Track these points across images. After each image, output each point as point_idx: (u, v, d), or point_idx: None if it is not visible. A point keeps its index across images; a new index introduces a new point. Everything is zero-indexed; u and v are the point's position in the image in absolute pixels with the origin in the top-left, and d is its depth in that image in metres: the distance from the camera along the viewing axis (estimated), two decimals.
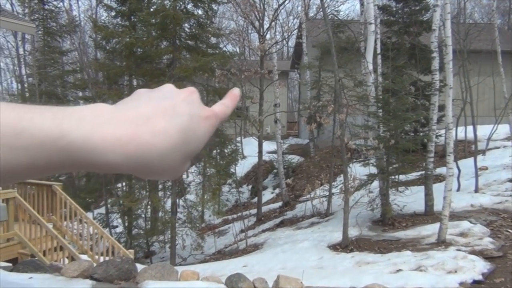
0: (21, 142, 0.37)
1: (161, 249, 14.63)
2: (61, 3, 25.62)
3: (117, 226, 15.32)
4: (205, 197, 14.19)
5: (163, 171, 0.43)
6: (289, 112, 33.03)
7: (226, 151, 15.65)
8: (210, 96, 13.52)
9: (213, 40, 15.12)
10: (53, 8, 24.29)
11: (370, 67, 10.20)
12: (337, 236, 9.30)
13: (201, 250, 13.16)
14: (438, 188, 10.03)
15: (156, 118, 0.42)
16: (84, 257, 7.73)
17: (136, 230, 14.50)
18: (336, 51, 10.60)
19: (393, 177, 10.52)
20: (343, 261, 7.88)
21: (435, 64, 9.86)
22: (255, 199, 16.74)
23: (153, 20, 13.14)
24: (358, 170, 10.94)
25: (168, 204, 13.51)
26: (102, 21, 18.47)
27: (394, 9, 14.80)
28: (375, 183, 10.64)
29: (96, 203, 18.42)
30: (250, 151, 20.11)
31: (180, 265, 11.48)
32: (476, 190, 10.86)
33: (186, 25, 13.80)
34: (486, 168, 12.71)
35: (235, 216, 16.25)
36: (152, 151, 0.41)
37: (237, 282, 5.56)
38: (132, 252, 8.30)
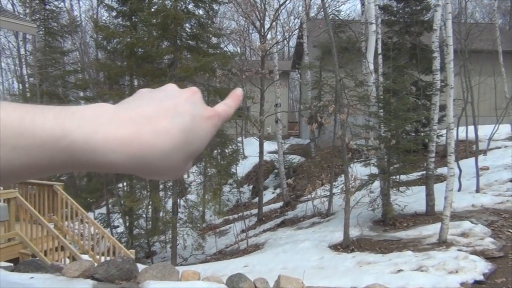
0: (23, 142, 0.37)
1: (162, 249, 14.64)
2: (62, 3, 25.65)
3: (118, 226, 15.34)
4: (206, 197, 14.19)
5: (165, 171, 0.43)
6: (290, 112, 33.03)
7: (227, 151, 15.66)
8: (211, 96, 13.52)
9: (214, 40, 15.13)
10: (54, 8, 24.32)
11: (371, 67, 10.19)
12: (338, 236, 9.30)
13: (202, 250, 13.16)
14: (439, 188, 10.03)
15: (158, 118, 0.42)
16: (85, 257, 7.74)
17: (137, 230, 14.51)
18: (337, 51, 10.60)
19: (394, 177, 10.51)
20: (344, 261, 7.88)
21: (436, 64, 9.85)
22: (256, 199, 16.74)
23: (154, 20, 13.15)
24: (359, 170, 10.94)
25: (169, 204, 13.51)
26: (103, 21, 18.50)
27: (395, 9, 14.79)
28: (376, 183, 10.64)
29: (97, 203, 18.44)
30: (251, 151, 20.11)
31: (181, 265, 11.49)
32: (477, 190, 10.85)
33: (187, 25, 13.82)
34: (487, 168, 12.69)
35: (236, 216, 16.25)
36: (154, 151, 0.40)
37: (238, 282, 5.56)
38: (133, 252, 8.31)
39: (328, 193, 12.67)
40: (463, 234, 8.26)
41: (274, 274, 6.23)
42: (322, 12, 13.39)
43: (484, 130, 14.61)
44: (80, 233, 8.70)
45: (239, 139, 21.48)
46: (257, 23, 15.42)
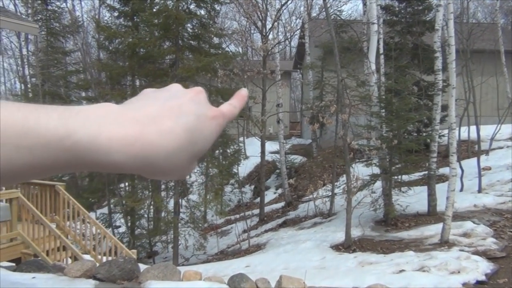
0: (27, 141, 0.37)
1: (164, 249, 14.65)
2: (64, 4, 25.69)
3: (120, 226, 15.35)
4: (208, 197, 14.20)
5: (170, 171, 0.43)
6: (292, 112, 33.02)
7: (228, 151, 15.67)
8: (213, 96, 13.53)
9: (215, 40, 15.14)
10: (56, 9, 24.36)
11: (373, 67, 10.18)
12: (340, 236, 9.29)
13: (203, 250, 13.17)
14: (441, 188, 10.01)
15: (163, 117, 0.42)
16: (87, 257, 7.75)
17: (139, 230, 14.53)
18: (339, 51, 10.59)
19: (396, 177, 10.50)
20: (345, 261, 7.87)
21: (438, 64, 9.83)
22: (258, 199, 16.74)
23: (156, 21, 13.16)
24: (360, 170, 10.94)
25: (171, 204, 13.52)
26: (105, 21, 18.50)
27: (397, 9, 14.78)
28: (378, 183, 10.63)
29: (99, 203, 18.47)
30: (253, 151, 20.10)
31: (183, 265, 11.50)
32: (479, 190, 10.82)
33: (189, 25, 13.83)
34: (490, 168, 12.67)
35: (237, 216, 16.25)
36: (158, 151, 0.40)
37: (240, 282, 5.56)
38: (134, 252, 8.32)
39: (330, 193, 12.66)
40: (465, 234, 8.24)
41: (276, 274, 6.23)
42: (324, 12, 13.39)
43: (486, 130, 14.58)
44: (82, 233, 8.71)
45: (241, 139, 21.48)
46: (259, 23, 15.42)
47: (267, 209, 15.75)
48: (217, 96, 13.40)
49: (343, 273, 7.06)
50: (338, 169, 14.16)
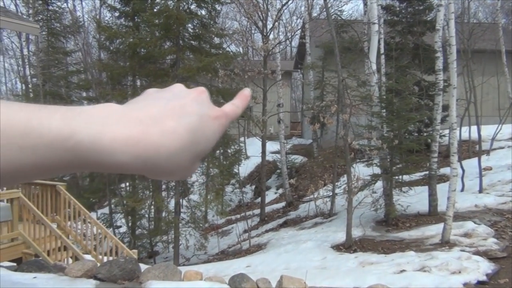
0: (30, 141, 0.37)
1: (165, 249, 14.66)
2: (65, 4, 25.72)
3: (120, 226, 15.36)
4: (209, 197, 14.20)
5: (173, 172, 0.43)
6: (293, 112, 33.01)
7: (229, 151, 15.67)
8: (214, 96, 13.53)
9: (216, 40, 15.14)
10: (57, 9, 24.38)
11: (374, 67, 10.18)
12: (341, 237, 9.29)
13: (204, 250, 13.17)
14: (442, 189, 10.01)
15: (165, 118, 0.42)
16: (88, 257, 7.76)
17: (139, 230, 14.53)
18: (340, 51, 10.58)
19: (396, 177, 10.49)
20: (346, 261, 7.87)
21: (439, 64, 9.83)
22: (259, 199, 16.74)
23: (157, 21, 13.17)
24: (361, 170, 10.93)
25: (172, 204, 13.53)
26: (106, 21, 18.50)
27: (398, 9, 14.77)
28: (379, 183, 10.62)
29: (99, 203, 18.48)
30: (254, 151, 20.11)
31: (184, 265, 11.50)
32: (480, 191, 10.82)
33: (190, 25, 13.83)
34: (491, 168, 12.66)
35: (238, 216, 16.26)
36: (161, 151, 0.40)
37: (241, 282, 5.56)
38: (135, 252, 8.31)
39: (331, 193, 12.66)
40: (466, 235, 8.24)
41: (277, 274, 6.23)
42: (325, 12, 13.39)
43: (487, 130, 14.57)
44: (82, 233, 8.71)
45: (242, 139, 21.48)
46: (260, 23, 15.42)
47: (268, 209, 15.75)
48: (218, 96, 13.40)
49: (344, 273, 7.06)
50: (339, 169, 14.16)
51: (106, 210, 16.55)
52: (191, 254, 13.14)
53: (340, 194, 13.38)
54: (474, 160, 12.27)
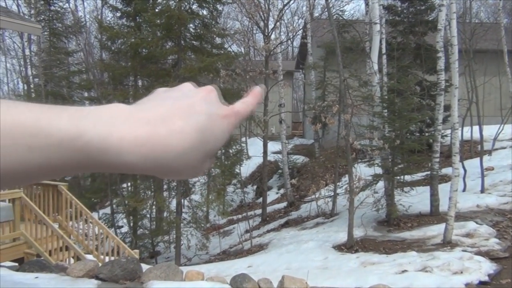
0: (39, 141, 0.37)
1: (166, 249, 14.66)
2: (66, 4, 25.75)
3: (122, 226, 15.37)
4: (210, 197, 14.20)
5: (182, 171, 0.43)
6: (294, 112, 33.00)
7: (231, 151, 15.66)
8: None
9: (218, 40, 15.15)
10: (59, 9, 24.42)
11: (375, 67, 10.17)
12: (342, 237, 9.29)
13: (206, 250, 13.18)
14: (443, 189, 9.99)
15: (173, 117, 0.42)
16: (89, 257, 7.76)
17: (141, 230, 14.54)
18: (341, 51, 10.58)
19: (398, 177, 10.49)
20: (348, 261, 7.87)
21: (441, 64, 9.81)
22: (260, 200, 16.74)
23: (158, 21, 13.17)
24: (363, 171, 10.91)
25: (173, 204, 13.53)
26: (108, 22, 18.54)
27: (399, 8, 14.74)
28: (380, 184, 10.61)
29: (101, 203, 18.51)
30: (255, 151, 20.11)
31: (185, 265, 11.50)
32: (482, 191, 10.80)
33: (191, 25, 13.84)
34: (492, 169, 12.64)
35: (240, 216, 16.27)
36: (169, 151, 0.40)
37: (242, 282, 5.56)
38: (137, 252, 8.32)
39: (332, 194, 12.65)
40: (468, 235, 8.23)
41: (278, 274, 6.23)
42: (326, 12, 13.38)
43: (489, 130, 14.55)
44: (84, 233, 8.73)
45: (243, 139, 21.49)
46: (261, 23, 15.43)
47: (269, 209, 15.75)
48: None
49: (346, 273, 7.05)
50: (340, 169, 14.16)
51: (107, 210, 16.56)
52: (193, 254, 13.14)
53: (341, 194, 13.38)
54: (476, 160, 12.26)
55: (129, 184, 16.04)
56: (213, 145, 0.44)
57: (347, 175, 10.77)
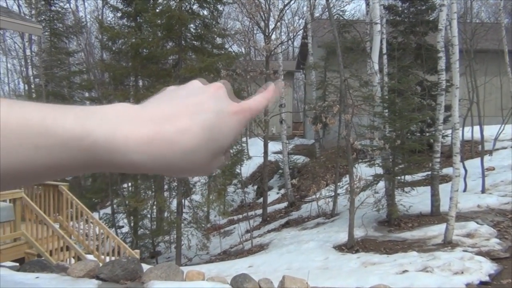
0: (45, 141, 0.37)
1: (167, 249, 14.67)
2: (67, 5, 25.78)
3: (123, 226, 15.38)
4: (211, 197, 14.21)
5: (190, 170, 0.43)
6: (295, 113, 32.99)
7: (231, 151, 15.63)
8: None
9: (218, 40, 15.15)
10: (59, 10, 24.44)
11: (376, 67, 10.16)
12: (343, 237, 9.28)
13: (206, 251, 13.18)
14: (444, 189, 9.99)
15: (179, 116, 0.41)
16: (90, 257, 7.77)
17: (142, 230, 14.55)
18: (342, 51, 10.58)
19: (399, 177, 10.48)
20: (348, 261, 7.86)
21: (442, 64, 9.81)
22: (261, 200, 16.74)
23: (159, 21, 13.18)
24: (363, 171, 10.91)
25: (174, 204, 13.54)
26: (108, 22, 18.56)
27: (400, 8, 14.74)
28: (381, 184, 10.61)
29: (102, 203, 18.51)
30: (256, 152, 20.11)
31: (186, 265, 11.51)
32: (483, 191, 10.79)
33: (192, 25, 13.84)
34: (493, 169, 12.63)
35: (240, 216, 16.26)
36: (175, 150, 0.40)
37: (243, 282, 5.56)
38: (138, 252, 8.32)
39: (333, 194, 12.65)
40: (469, 235, 8.22)
41: (279, 274, 6.23)
42: (327, 12, 13.37)
43: (490, 130, 14.54)
44: (85, 233, 8.73)
45: (244, 139, 21.49)
46: (262, 24, 15.43)
47: (270, 209, 15.74)
48: None
49: (346, 274, 7.05)
50: (341, 169, 14.16)
51: (108, 210, 16.57)
52: (193, 254, 13.15)
53: (342, 195, 13.38)
54: (477, 160, 12.25)
55: (129, 184, 16.05)
56: (222, 143, 0.44)
57: (347, 175, 10.77)
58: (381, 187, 10.64)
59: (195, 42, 14.03)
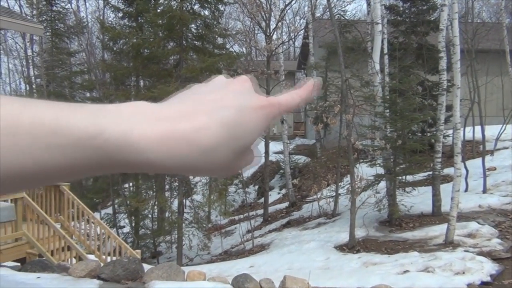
0: (57, 140, 0.36)
1: (168, 249, 14.67)
2: (68, 5, 25.79)
3: (124, 226, 15.39)
4: (212, 197, 14.21)
5: (210, 169, 0.41)
6: (296, 113, 32.97)
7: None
8: None
9: (219, 40, 15.16)
10: (61, 10, 24.47)
11: (377, 67, 10.16)
12: (344, 237, 9.28)
13: (207, 251, 13.18)
14: (445, 189, 9.98)
15: (197, 113, 0.40)
16: (91, 257, 7.77)
17: (143, 230, 14.56)
18: (343, 51, 10.57)
19: (400, 177, 10.47)
20: (349, 261, 7.86)
21: (443, 64, 9.80)
22: (262, 200, 16.74)
23: (160, 21, 13.19)
24: (365, 171, 10.91)
25: (175, 204, 13.54)
26: (110, 22, 18.57)
27: (401, 8, 14.73)
28: (382, 184, 10.60)
29: (103, 203, 18.52)
30: (257, 152, 20.06)
31: (187, 265, 11.51)
32: (484, 191, 10.78)
33: (193, 25, 13.85)
34: (495, 169, 12.62)
35: (241, 216, 16.25)
36: (193, 149, 0.38)
37: (244, 282, 5.56)
38: (139, 252, 8.33)
39: (334, 194, 12.64)
40: (470, 235, 8.21)
41: (280, 274, 6.23)
42: (328, 12, 13.37)
43: (491, 130, 14.52)
44: (86, 233, 8.74)
45: None
46: (263, 24, 15.42)
47: (271, 209, 15.74)
48: None
49: (347, 274, 7.05)
50: (342, 170, 14.15)
51: (109, 210, 16.59)
52: (194, 254, 13.15)
53: (343, 195, 13.37)
54: (478, 160, 12.23)
55: (131, 184, 16.07)
56: (245, 141, 0.42)
57: (348, 175, 10.76)
58: (382, 187, 10.63)
59: (196, 42, 14.04)
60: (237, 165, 0.43)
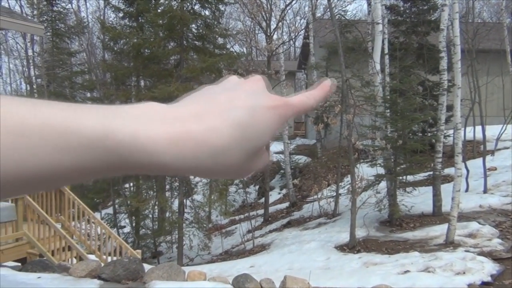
0: (68, 142, 0.35)
1: (168, 249, 14.68)
2: (69, 5, 25.80)
3: (124, 226, 15.40)
4: (212, 197, 14.21)
5: (221, 171, 0.40)
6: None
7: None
8: None
9: (220, 40, 15.15)
10: (61, 10, 24.47)
11: (378, 67, 10.16)
12: (344, 237, 9.28)
13: (208, 251, 13.18)
14: (446, 189, 9.97)
15: (208, 114, 0.39)
16: (92, 257, 7.78)
17: (143, 230, 14.56)
18: (343, 51, 10.57)
19: (400, 177, 10.47)
20: (350, 261, 7.86)
21: (443, 64, 9.80)
22: (262, 200, 16.74)
23: (161, 21, 13.19)
24: (365, 171, 10.90)
25: (176, 204, 13.54)
26: (110, 22, 18.57)
27: (402, 8, 14.73)
28: (383, 184, 10.60)
29: (104, 204, 18.52)
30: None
31: (187, 265, 11.52)
32: (485, 191, 10.77)
33: (194, 25, 13.85)
34: (495, 169, 12.61)
35: (242, 216, 16.25)
36: (204, 150, 0.38)
37: (244, 282, 5.56)
38: (139, 252, 8.33)
39: (334, 194, 12.64)
40: (471, 235, 8.21)
41: (280, 274, 6.23)
42: (329, 12, 13.37)
43: (492, 130, 14.51)
44: (87, 233, 8.74)
45: None
46: (263, 24, 15.44)
47: (271, 209, 15.74)
48: None
49: (348, 274, 7.05)
50: (342, 170, 14.14)
51: (110, 210, 16.59)
52: (195, 254, 13.15)
53: (344, 195, 13.36)
54: (479, 161, 12.23)
55: (131, 184, 16.07)
56: (257, 142, 0.41)
57: (349, 175, 10.75)
58: (382, 187, 10.63)
59: (196, 42, 14.04)
60: (250, 167, 0.42)
